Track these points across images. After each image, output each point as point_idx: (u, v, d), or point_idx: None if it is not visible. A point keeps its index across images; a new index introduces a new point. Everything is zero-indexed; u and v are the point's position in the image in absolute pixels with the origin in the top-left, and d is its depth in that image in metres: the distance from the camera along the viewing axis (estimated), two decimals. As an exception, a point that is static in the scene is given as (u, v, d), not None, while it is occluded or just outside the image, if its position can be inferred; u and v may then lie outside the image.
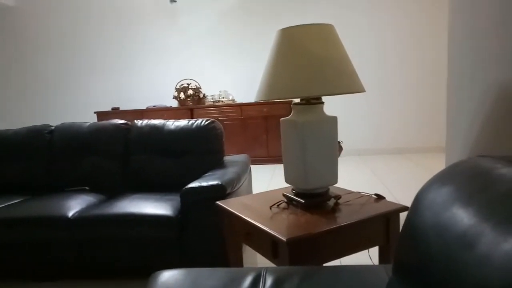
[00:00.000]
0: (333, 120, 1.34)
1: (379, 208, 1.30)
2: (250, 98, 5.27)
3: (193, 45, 5.56)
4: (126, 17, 5.62)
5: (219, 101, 5.32)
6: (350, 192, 1.52)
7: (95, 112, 5.36)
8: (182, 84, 5.37)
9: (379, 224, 1.30)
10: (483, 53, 1.35)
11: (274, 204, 1.39)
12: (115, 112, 5.36)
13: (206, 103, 5.34)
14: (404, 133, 5.24)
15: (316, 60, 1.22)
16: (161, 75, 5.67)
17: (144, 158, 2.33)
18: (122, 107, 5.62)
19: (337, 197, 1.38)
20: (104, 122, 2.56)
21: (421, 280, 0.52)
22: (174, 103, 5.47)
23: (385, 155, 5.21)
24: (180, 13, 5.50)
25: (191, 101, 5.29)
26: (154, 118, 2.55)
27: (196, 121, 2.37)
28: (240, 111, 5.08)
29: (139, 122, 2.46)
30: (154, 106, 5.39)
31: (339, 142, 2.98)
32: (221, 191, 1.76)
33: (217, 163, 2.30)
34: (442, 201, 0.56)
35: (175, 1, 5.37)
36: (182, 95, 5.28)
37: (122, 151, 2.40)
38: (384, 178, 3.86)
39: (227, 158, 2.44)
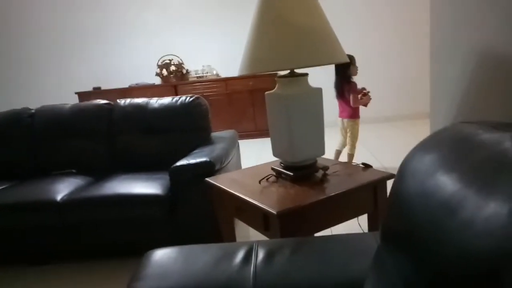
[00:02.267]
0: (318, 91, 1.34)
1: (366, 177, 1.33)
2: (235, 73, 5.19)
3: (174, 20, 5.38)
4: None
5: (203, 77, 5.23)
6: (337, 163, 1.54)
7: (76, 93, 5.22)
8: (164, 60, 5.24)
9: (367, 193, 1.33)
10: (465, 13, 1.34)
11: (263, 178, 1.40)
12: (97, 92, 5.23)
13: (190, 79, 5.25)
14: (390, 100, 5.26)
15: (298, 30, 1.20)
16: (143, 52, 5.52)
17: (129, 138, 2.30)
18: (104, 87, 5.48)
19: (325, 168, 1.39)
20: (86, 103, 2.50)
21: (407, 246, 0.53)
22: (157, 80, 5.35)
23: (371, 124, 5.26)
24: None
25: (174, 77, 5.19)
26: (138, 97, 2.51)
27: (180, 98, 2.34)
28: (225, 86, 5.02)
29: (122, 102, 2.41)
30: (136, 84, 5.28)
31: (367, 92, 2.96)
32: (210, 168, 1.77)
33: (205, 140, 2.29)
34: (426, 168, 0.57)
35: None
36: (164, 72, 5.17)
37: (107, 131, 2.36)
38: (371, 147, 3.91)
39: (214, 134, 2.43)
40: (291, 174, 1.35)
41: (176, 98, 2.34)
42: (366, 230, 1.46)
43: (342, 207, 1.29)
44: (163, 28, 5.41)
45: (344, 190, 1.23)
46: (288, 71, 1.32)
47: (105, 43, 5.56)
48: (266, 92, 1.39)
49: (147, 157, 2.27)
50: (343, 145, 3.11)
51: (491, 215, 0.39)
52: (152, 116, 2.30)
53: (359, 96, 2.93)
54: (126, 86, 5.32)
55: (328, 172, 1.40)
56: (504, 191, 0.40)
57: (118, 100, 2.43)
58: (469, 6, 1.29)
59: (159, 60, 5.26)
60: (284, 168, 1.40)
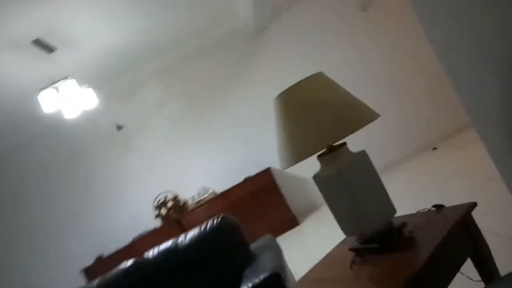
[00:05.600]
0: (364, 154, 1.32)
1: (451, 217, 1.24)
2: (229, 184, 5.18)
3: (155, 159, 5.51)
4: (78, 161, 5.50)
5: (201, 200, 5.16)
6: (407, 216, 1.45)
7: (81, 271, 4.90)
8: (158, 200, 5.18)
9: (461, 235, 1.23)
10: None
11: (352, 263, 1.27)
12: (102, 261, 4.95)
13: (190, 208, 5.15)
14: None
15: (325, 106, 1.23)
16: (133, 201, 5.46)
17: (174, 286, 2.09)
18: (106, 253, 5.21)
19: (403, 225, 1.30)
20: (108, 274, 2.30)
21: None
22: (159, 223, 5.20)
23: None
24: (132, 135, 5.53)
25: (174, 212, 5.08)
26: (145, 247, 2.38)
27: (207, 224, 2.23)
28: (226, 200, 4.95)
29: (149, 253, 2.26)
30: (139, 235, 5.08)
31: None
32: (278, 280, 1.60)
33: (247, 256, 2.13)
34: None
35: (122, 128, 5.39)
36: (163, 211, 5.07)
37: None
38: (415, 189, 3.78)
39: (252, 246, 2.29)
40: (377, 245, 1.24)
41: (203, 226, 2.23)
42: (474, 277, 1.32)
43: (450, 260, 1.17)
44: (146, 171, 5.49)
45: (442, 237, 1.13)
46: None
47: (93, 209, 5.48)
48: (314, 176, 1.35)
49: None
50: None
51: None
52: (187, 254, 2.15)
53: None
54: (129, 241, 5.10)
55: (407, 228, 1.31)
56: None
57: (145, 254, 2.28)
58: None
59: (153, 202, 5.19)
60: (365, 243, 1.29)
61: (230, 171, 5.38)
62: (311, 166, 5.34)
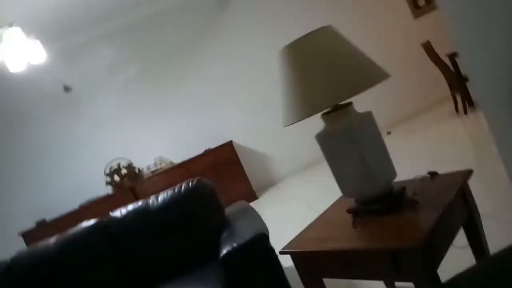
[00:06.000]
0: (370, 115, 1.29)
1: (450, 184, 1.27)
2: (187, 156, 5.01)
3: (108, 125, 5.15)
4: (22, 119, 4.97)
5: (158, 170, 4.95)
6: (405, 181, 1.46)
7: (20, 235, 4.50)
8: (111, 167, 4.88)
9: (460, 201, 1.26)
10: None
11: (354, 222, 1.25)
12: (44, 226, 4.58)
13: (146, 176, 4.92)
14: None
15: (335, 62, 1.18)
16: (82, 167, 5.08)
17: (142, 251, 1.97)
18: (49, 217, 4.82)
19: (404, 189, 1.31)
20: (72, 231, 2.10)
21: None
22: (110, 190, 4.91)
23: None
24: (82, 98, 5.09)
25: (128, 180, 4.82)
26: (94, 214, 2.20)
27: (181, 186, 2.12)
28: (186, 171, 4.79)
29: (116, 213, 2.10)
30: (87, 202, 4.77)
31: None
32: (265, 241, 1.56)
33: (223, 222, 2.05)
34: None
35: (70, 89, 4.89)
36: (116, 178, 4.79)
37: (110, 253, 1.99)
38: (413, 152, 3.82)
39: (227, 210, 2.22)
40: (381, 206, 1.23)
41: (176, 188, 2.11)
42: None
43: (451, 223, 1.19)
44: (98, 135, 5.12)
45: (447, 203, 1.15)
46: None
47: (37, 172, 5.03)
48: (317, 135, 1.30)
49: (171, 263, 1.94)
50: None
51: None
52: (158, 216, 2.03)
53: None
54: (76, 207, 4.76)
55: (408, 191, 1.32)
56: None
57: (110, 213, 2.11)
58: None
59: (106, 168, 4.88)
60: (366, 204, 1.28)
61: (190, 142, 5.20)
62: (271, 141, 5.31)
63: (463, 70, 4.23)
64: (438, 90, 5.23)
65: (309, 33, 1.23)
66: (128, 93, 5.20)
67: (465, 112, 4.28)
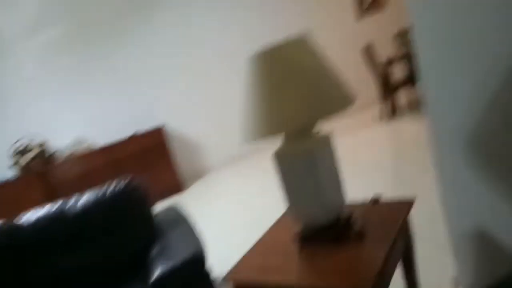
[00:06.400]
0: (329, 137, 1.24)
1: (393, 213, 1.27)
2: (112, 138, 4.59)
3: (15, 94, 4.46)
4: None
5: (73, 153, 4.46)
6: (349, 206, 1.44)
7: None
8: (18, 147, 4.25)
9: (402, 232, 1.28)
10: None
11: (302, 248, 1.19)
12: None
13: (59, 161, 4.40)
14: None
15: (309, 78, 1.09)
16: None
17: (55, 263, 1.70)
18: None
19: (351, 215, 1.29)
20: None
21: None
22: (14, 173, 4.29)
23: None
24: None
25: (39, 163, 4.26)
26: None
27: (107, 187, 1.87)
28: (108, 157, 4.39)
29: (22, 220, 1.78)
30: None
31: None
32: (202, 262, 1.44)
33: (153, 233, 1.86)
34: None
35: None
36: (23, 160, 4.19)
37: (15, 268, 1.69)
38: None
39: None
40: (332, 235, 1.19)
41: (102, 190, 1.86)
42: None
43: (393, 261, 1.20)
44: (6, 108, 4.42)
45: (393, 236, 1.15)
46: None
47: None
48: (275, 153, 1.20)
49: (88, 278, 1.71)
50: None
51: None
52: (76, 224, 1.77)
53: None
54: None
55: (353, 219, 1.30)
56: None
57: (16, 221, 1.78)
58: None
59: (11, 148, 4.24)
60: (314, 230, 1.23)
61: (115, 123, 4.77)
62: (207, 127, 5.09)
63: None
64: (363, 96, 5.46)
65: (285, 42, 1.11)
66: (47, 60, 4.54)
67: (390, 119, 4.57)
